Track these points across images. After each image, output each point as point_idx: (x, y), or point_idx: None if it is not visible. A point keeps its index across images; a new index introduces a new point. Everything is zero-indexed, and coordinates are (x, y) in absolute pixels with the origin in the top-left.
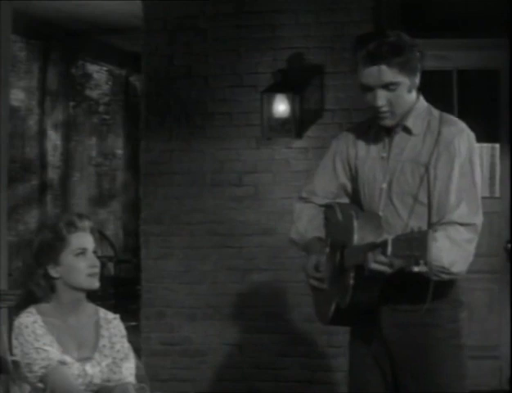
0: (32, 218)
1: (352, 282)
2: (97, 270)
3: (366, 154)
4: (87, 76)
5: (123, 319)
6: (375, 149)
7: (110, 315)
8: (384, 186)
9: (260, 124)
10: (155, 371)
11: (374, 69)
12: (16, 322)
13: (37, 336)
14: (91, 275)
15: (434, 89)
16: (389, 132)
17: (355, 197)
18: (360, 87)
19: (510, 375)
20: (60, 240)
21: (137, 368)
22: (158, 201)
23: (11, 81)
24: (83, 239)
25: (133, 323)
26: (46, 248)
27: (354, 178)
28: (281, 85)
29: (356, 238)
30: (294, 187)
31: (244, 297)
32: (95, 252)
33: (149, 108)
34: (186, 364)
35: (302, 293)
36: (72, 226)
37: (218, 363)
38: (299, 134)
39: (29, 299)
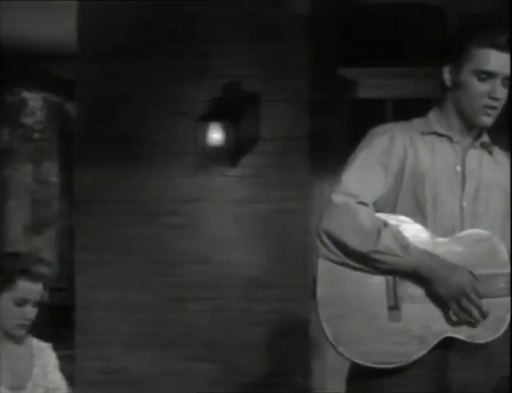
0: None
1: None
2: (29, 323)
3: (432, 162)
4: (23, 103)
5: (58, 348)
6: (442, 158)
7: (43, 344)
8: (465, 205)
9: (195, 152)
10: None
11: (504, 56)
12: None
13: None
14: (21, 325)
15: (370, 118)
16: (463, 143)
17: (402, 213)
18: (475, 73)
19: None
20: (7, 281)
21: None
22: (93, 228)
23: None
24: (31, 289)
25: (68, 352)
26: None
27: (410, 189)
28: (216, 113)
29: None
30: (230, 216)
31: (182, 326)
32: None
33: (83, 136)
34: None
35: (239, 322)
36: (25, 274)
37: (155, 392)
38: (234, 163)
39: None
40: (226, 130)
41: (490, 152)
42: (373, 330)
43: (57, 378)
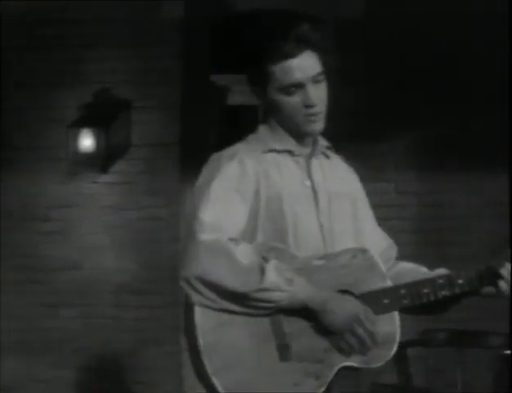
0: None
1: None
2: None
3: (282, 181)
4: None
5: None
6: (289, 175)
7: None
8: (323, 221)
9: (66, 158)
10: None
11: (302, 59)
12: None
13: None
14: None
15: (241, 124)
16: (304, 154)
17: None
18: (281, 91)
19: None
20: None
21: None
22: None
23: None
24: None
25: None
26: None
27: (268, 214)
28: (88, 120)
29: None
30: (101, 222)
31: (53, 332)
32: None
33: None
34: None
35: (109, 329)
36: None
37: None
38: (105, 169)
39: None
40: (98, 137)
41: (328, 156)
42: (266, 374)
43: None
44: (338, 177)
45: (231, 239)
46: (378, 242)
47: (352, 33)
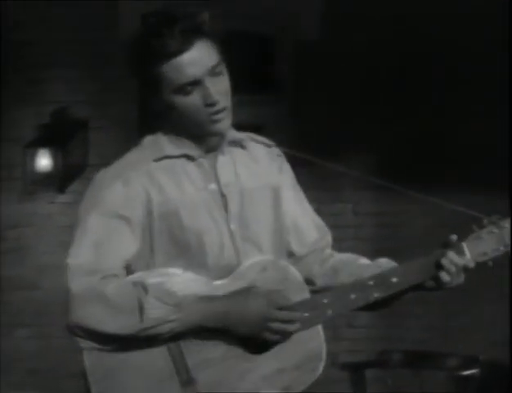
0: None
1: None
2: None
3: (180, 192)
4: None
5: None
6: (189, 182)
7: None
8: (234, 227)
9: (23, 178)
10: None
11: (193, 53)
12: None
13: None
14: None
15: None
16: (207, 156)
17: (163, 263)
18: (176, 92)
19: None
20: None
21: None
22: None
23: None
24: None
25: None
26: None
27: (165, 233)
28: (45, 139)
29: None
30: (58, 242)
31: (9, 353)
32: None
33: None
34: None
35: (67, 349)
36: None
37: None
38: (62, 189)
39: None
40: (55, 156)
41: (244, 147)
42: None
43: None
44: (256, 168)
45: (106, 276)
46: (307, 234)
47: (309, 53)
